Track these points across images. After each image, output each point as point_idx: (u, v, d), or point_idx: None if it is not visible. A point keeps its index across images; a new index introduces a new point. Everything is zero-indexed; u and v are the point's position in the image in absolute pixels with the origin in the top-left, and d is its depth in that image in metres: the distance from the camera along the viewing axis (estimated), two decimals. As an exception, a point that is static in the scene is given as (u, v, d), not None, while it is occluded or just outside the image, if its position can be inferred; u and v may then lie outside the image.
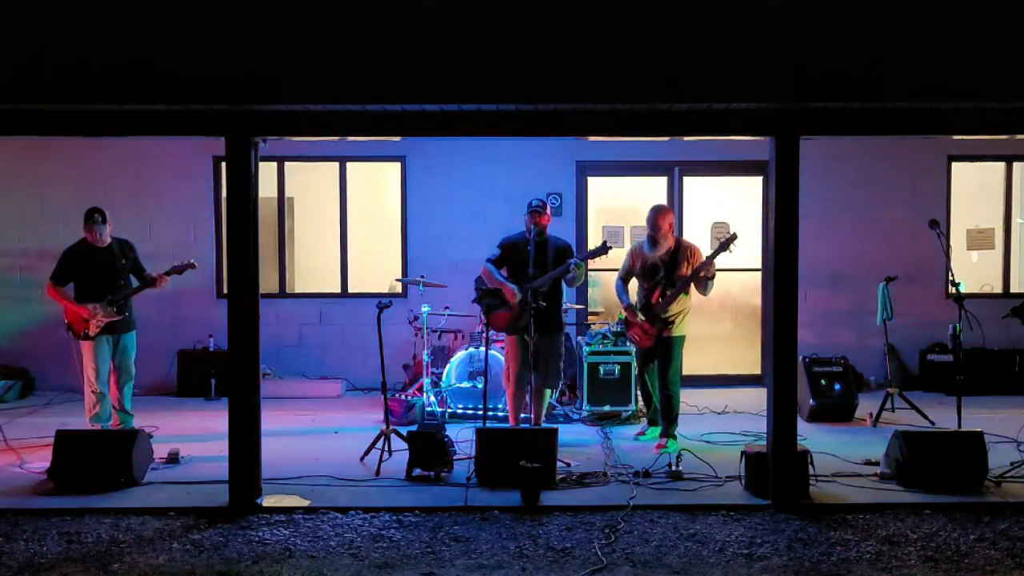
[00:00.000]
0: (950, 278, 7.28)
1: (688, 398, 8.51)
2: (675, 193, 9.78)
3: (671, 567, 4.62)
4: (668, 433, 6.95)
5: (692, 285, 6.86)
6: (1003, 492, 5.76)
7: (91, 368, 6.86)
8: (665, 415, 6.97)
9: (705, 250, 7.11)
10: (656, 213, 6.91)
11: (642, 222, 7.20)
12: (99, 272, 6.92)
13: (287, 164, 9.81)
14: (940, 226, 7.55)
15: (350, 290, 9.86)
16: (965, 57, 5.26)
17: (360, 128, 5.79)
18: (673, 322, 6.94)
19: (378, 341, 6.52)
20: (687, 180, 9.83)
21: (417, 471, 6.03)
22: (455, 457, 6.19)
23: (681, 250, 6.93)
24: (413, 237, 9.75)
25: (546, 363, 6.78)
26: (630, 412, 7.98)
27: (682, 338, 7.05)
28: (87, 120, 5.66)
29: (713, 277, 6.81)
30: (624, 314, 7.31)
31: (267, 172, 9.28)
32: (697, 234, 9.83)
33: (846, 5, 5.31)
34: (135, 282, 7.11)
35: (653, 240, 6.89)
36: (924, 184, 9.68)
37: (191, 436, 7.32)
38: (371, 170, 10.08)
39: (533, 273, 6.60)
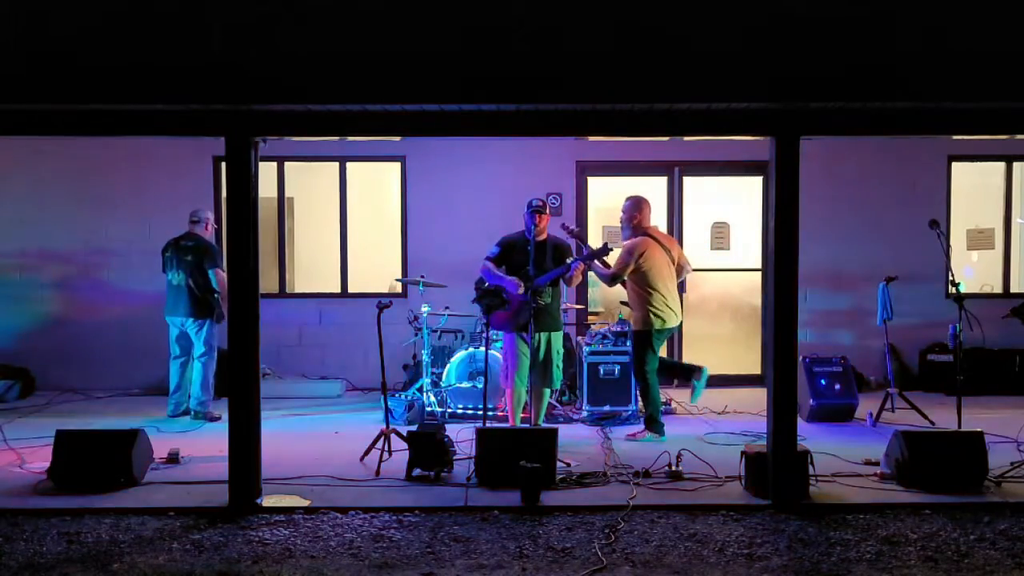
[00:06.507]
0: (950, 278, 7.28)
1: (688, 397, 8.50)
2: (675, 193, 9.78)
3: (671, 567, 4.62)
4: (646, 425, 7.30)
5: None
6: (1003, 492, 5.76)
7: None
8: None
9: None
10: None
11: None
12: None
13: (287, 164, 9.81)
14: (940, 226, 7.55)
15: (350, 290, 9.86)
16: (965, 57, 5.26)
17: (360, 128, 5.78)
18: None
19: (378, 341, 6.53)
20: (687, 180, 9.84)
21: (417, 471, 6.03)
22: (455, 457, 6.18)
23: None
24: (413, 237, 9.75)
25: (545, 363, 6.80)
26: (630, 412, 7.97)
27: (634, 332, 7.32)
28: (87, 120, 5.64)
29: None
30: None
31: (267, 172, 9.28)
32: (697, 234, 9.85)
33: (847, 5, 5.31)
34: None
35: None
36: (924, 184, 9.68)
37: (191, 436, 7.34)
38: (371, 170, 10.09)
39: (532, 273, 6.61)
